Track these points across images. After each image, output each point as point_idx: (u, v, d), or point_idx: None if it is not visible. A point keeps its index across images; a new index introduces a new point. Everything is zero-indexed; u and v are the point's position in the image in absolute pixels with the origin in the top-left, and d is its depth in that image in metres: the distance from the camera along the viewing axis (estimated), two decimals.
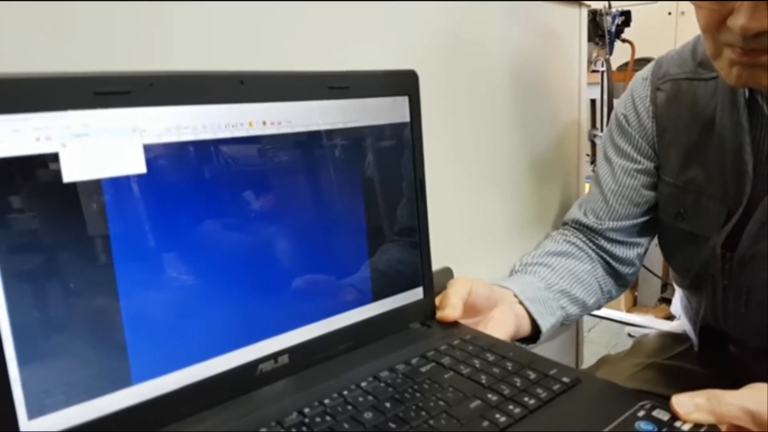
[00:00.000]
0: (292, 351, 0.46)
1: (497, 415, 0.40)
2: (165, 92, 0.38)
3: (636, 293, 2.32)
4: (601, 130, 1.53)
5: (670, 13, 2.29)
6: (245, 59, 0.52)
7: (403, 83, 0.53)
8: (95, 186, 0.36)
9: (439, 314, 0.56)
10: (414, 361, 0.48)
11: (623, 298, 2.20)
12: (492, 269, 0.77)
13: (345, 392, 0.43)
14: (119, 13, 0.43)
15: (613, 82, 1.53)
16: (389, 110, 0.51)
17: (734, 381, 0.43)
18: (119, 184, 0.37)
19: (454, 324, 0.56)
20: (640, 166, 0.74)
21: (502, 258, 0.80)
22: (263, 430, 0.39)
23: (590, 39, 1.31)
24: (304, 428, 0.39)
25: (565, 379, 0.44)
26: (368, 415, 0.41)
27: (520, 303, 0.66)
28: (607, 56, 1.38)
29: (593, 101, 1.73)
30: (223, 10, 0.49)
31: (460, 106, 0.73)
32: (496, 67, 0.78)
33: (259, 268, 0.44)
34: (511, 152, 0.83)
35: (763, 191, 0.61)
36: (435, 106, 0.63)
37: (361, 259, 0.51)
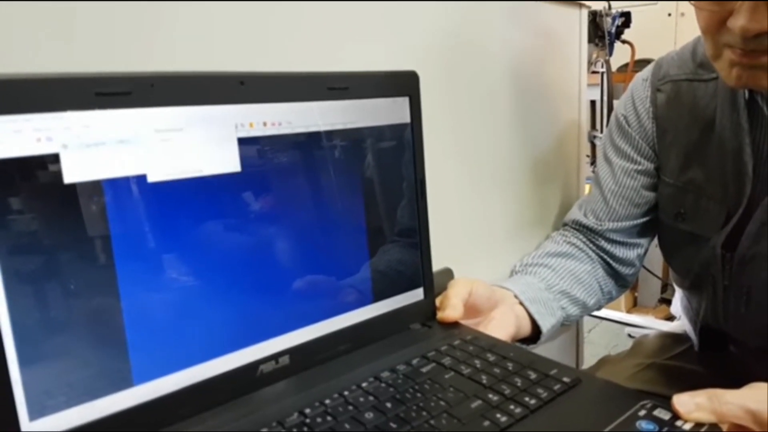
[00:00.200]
0: (293, 352, 0.46)
1: (498, 415, 0.40)
2: (166, 93, 0.38)
3: (636, 294, 2.31)
4: (601, 131, 1.53)
5: (670, 15, 2.29)
6: (245, 60, 0.52)
7: (403, 84, 0.53)
8: (96, 187, 0.36)
9: (440, 315, 0.56)
10: (415, 361, 0.48)
11: (623, 299, 2.20)
12: (492, 270, 0.77)
13: (346, 393, 0.43)
14: (120, 13, 0.44)
15: (613, 83, 1.53)
16: (390, 111, 0.51)
17: (735, 381, 0.43)
18: (120, 185, 0.37)
19: (455, 324, 0.56)
20: (640, 167, 0.74)
21: (502, 259, 0.80)
22: (264, 430, 0.39)
23: (590, 40, 1.30)
24: (305, 428, 0.39)
25: (566, 379, 0.44)
26: (369, 415, 0.41)
27: (521, 304, 0.66)
28: (607, 57, 1.38)
29: (593, 102, 1.73)
30: (223, 11, 0.49)
31: (460, 107, 0.73)
32: (497, 68, 0.79)
33: (260, 269, 0.44)
34: (511, 153, 0.83)
35: (763, 192, 0.61)
36: (435, 107, 0.63)
37: (362, 259, 0.51)
